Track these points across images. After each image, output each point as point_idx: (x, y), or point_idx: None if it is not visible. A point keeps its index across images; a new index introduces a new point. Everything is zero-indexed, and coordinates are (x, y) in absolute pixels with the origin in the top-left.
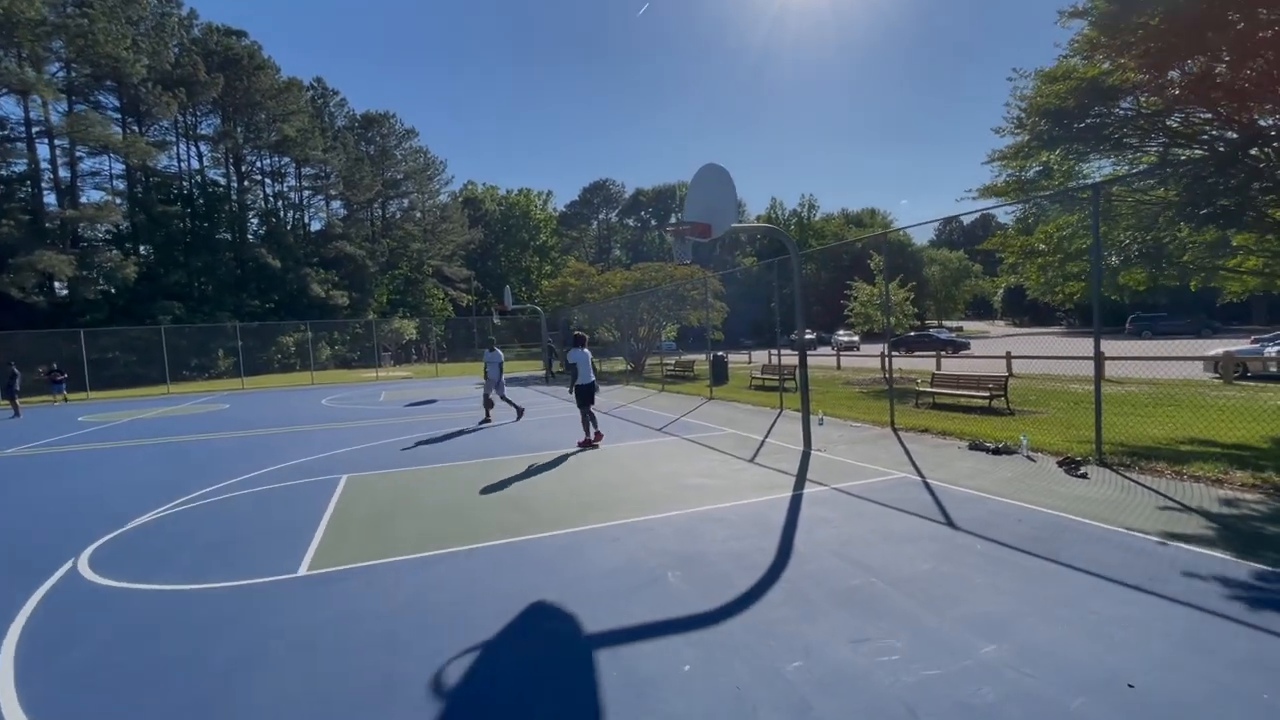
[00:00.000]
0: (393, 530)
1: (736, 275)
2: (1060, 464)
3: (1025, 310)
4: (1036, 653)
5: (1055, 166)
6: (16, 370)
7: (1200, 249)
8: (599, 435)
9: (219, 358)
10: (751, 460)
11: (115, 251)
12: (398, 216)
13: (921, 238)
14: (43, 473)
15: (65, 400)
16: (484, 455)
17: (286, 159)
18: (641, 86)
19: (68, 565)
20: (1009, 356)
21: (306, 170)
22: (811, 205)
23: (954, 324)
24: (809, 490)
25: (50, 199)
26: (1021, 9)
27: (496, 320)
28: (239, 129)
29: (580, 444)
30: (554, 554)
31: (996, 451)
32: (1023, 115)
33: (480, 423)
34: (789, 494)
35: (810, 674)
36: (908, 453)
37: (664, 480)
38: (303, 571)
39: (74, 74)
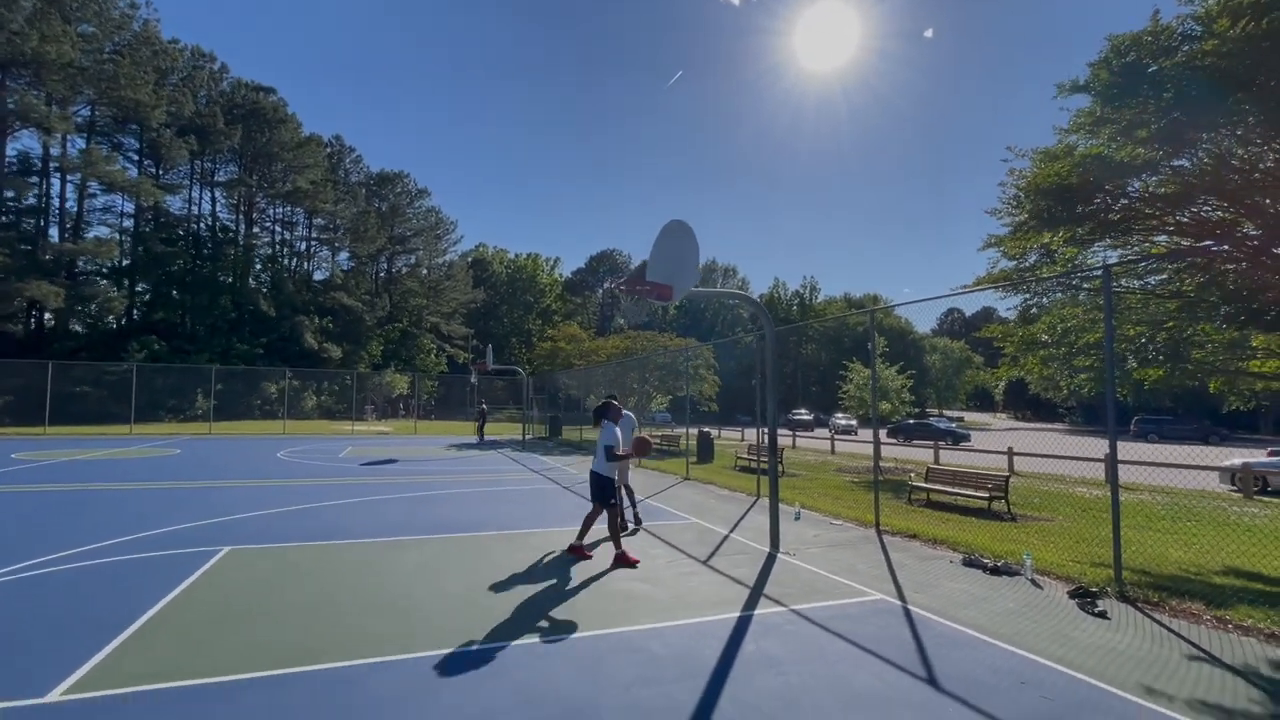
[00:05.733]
0: (221, 635)
1: (735, 350)
2: (1072, 595)
3: (1027, 404)
4: None
5: (1057, 250)
6: None
7: (1218, 348)
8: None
9: (197, 400)
10: (705, 561)
11: (105, 283)
12: (403, 272)
13: (923, 326)
14: None
15: None
16: (398, 532)
17: (298, 209)
18: (658, 163)
19: None
20: (1011, 453)
21: (316, 221)
22: (814, 288)
23: (955, 414)
24: (761, 611)
25: (53, 233)
26: (1032, 105)
27: (474, 379)
28: (254, 177)
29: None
30: (400, 692)
31: (995, 570)
32: (1021, 194)
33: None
34: (736, 614)
35: None
36: (890, 564)
37: (591, 584)
38: (52, 696)
39: (97, 114)
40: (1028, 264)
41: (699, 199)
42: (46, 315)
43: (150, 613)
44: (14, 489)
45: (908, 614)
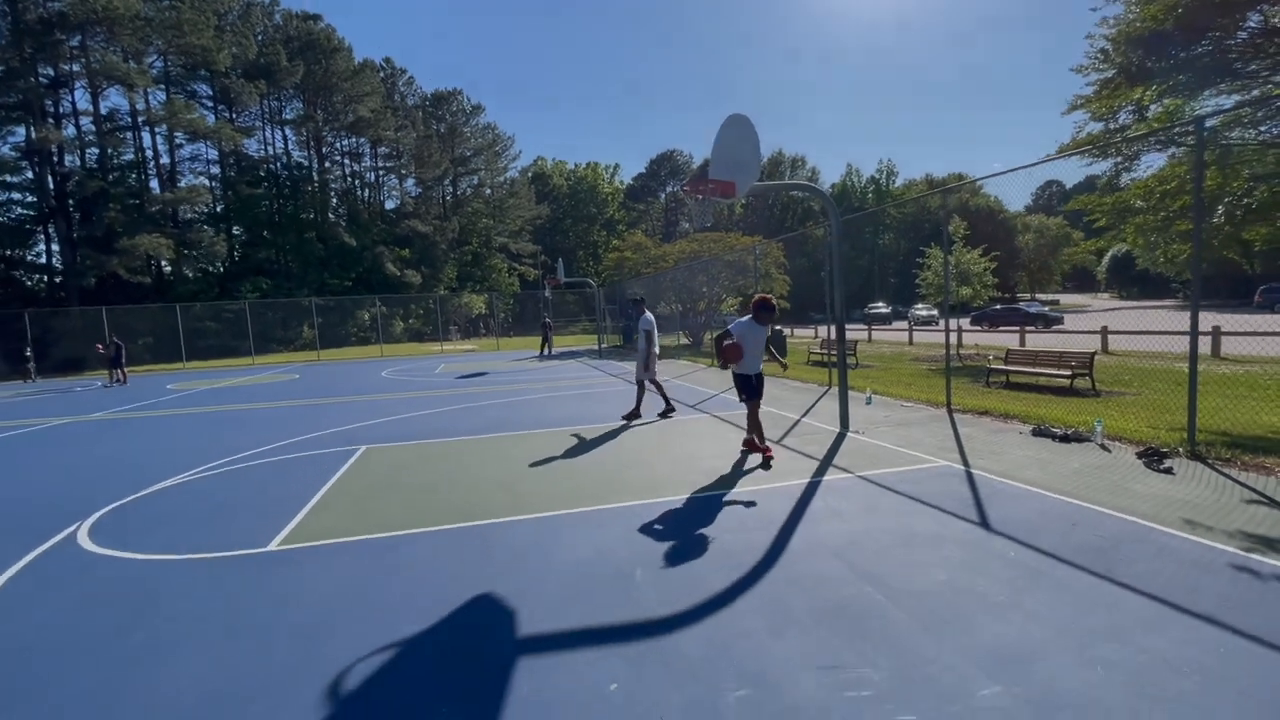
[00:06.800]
0: (377, 506)
1: (805, 247)
2: (1140, 455)
3: (1134, 281)
4: (1054, 702)
5: (1151, 104)
6: (120, 343)
7: None
8: (763, 451)
9: (301, 331)
10: (778, 441)
11: (207, 229)
12: (468, 193)
13: (1016, 204)
14: (112, 435)
15: (120, 381)
16: (501, 429)
17: (362, 139)
18: (715, 54)
19: (73, 527)
20: (1104, 331)
21: (381, 150)
22: (891, 172)
23: (1049, 297)
24: (829, 477)
25: (154, 184)
26: None
27: (547, 294)
28: (319, 112)
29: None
30: (526, 541)
31: (1064, 438)
32: (1110, 47)
33: (626, 418)
34: (805, 480)
35: (753, 707)
36: (958, 437)
37: (677, 461)
38: (272, 546)
39: (170, 65)
40: (1118, 125)
41: (763, 84)
42: (164, 264)
43: (319, 493)
44: (181, 411)
45: (969, 476)
